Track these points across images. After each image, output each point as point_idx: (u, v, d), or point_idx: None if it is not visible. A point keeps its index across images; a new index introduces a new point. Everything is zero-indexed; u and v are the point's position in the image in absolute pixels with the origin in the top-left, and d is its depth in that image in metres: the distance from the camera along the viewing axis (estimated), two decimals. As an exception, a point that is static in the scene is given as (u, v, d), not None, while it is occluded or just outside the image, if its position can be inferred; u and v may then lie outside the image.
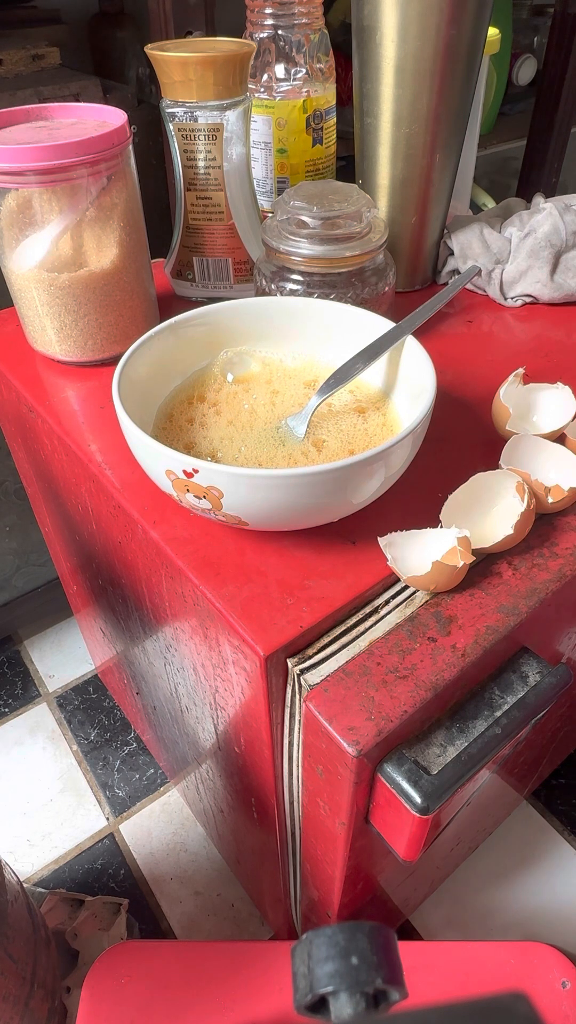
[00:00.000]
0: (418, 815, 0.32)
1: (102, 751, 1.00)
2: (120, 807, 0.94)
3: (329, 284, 0.52)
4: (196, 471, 0.33)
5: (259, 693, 0.37)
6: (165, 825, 0.92)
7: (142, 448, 0.35)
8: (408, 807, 0.32)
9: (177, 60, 0.51)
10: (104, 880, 0.87)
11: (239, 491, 0.33)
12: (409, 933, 0.83)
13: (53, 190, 0.47)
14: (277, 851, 0.53)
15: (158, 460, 0.34)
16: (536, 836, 0.90)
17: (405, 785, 0.32)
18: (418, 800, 0.32)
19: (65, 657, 1.13)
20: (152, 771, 0.98)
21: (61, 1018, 0.72)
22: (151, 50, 0.52)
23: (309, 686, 0.34)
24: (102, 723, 1.04)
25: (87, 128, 0.50)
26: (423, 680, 0.34)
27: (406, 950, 0.20)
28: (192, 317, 0.45)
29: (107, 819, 0.93)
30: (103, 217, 0.50)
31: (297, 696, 0.36)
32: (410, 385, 0.42)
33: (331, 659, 0.36)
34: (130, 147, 0.50)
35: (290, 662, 0.36)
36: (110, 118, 0.51)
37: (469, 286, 0.65)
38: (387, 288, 0.54)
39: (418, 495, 0.43)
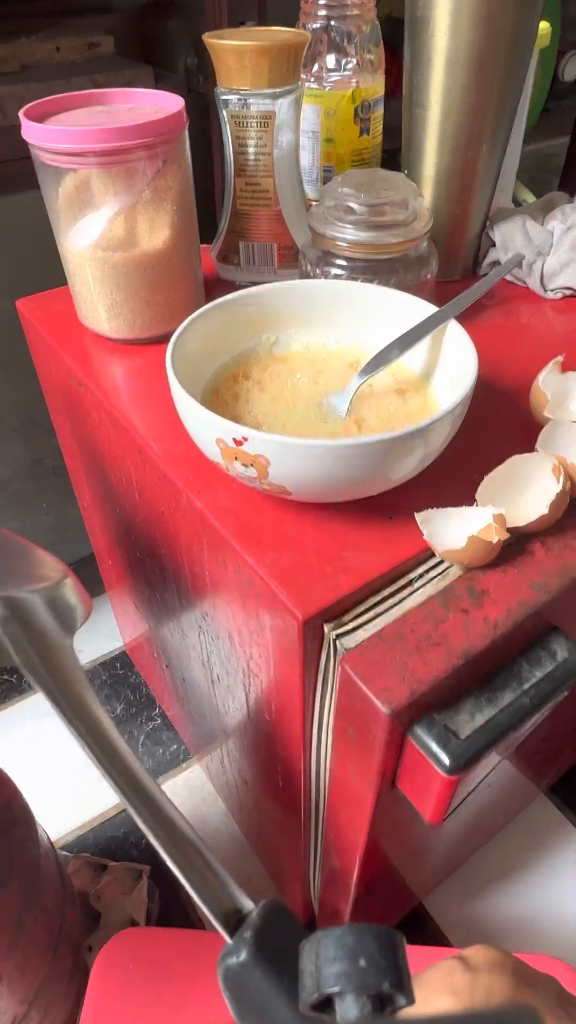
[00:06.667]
0: (446, 775, 0.33)
1: (127, 725, 1.03)
2: (143, 780, 0.97)
3: (372, 270, 0.53)
4: (245, 439, 0.35)
5: (295, 657, 0.39)
6: (187, 799, 0.95)
7: (193, 417, 0.37)
8: (437, 768, 0.34)
9: (233, 48, 0.52)
10: (126, 848, 0.90)
11: (286, 460, 0.35)
12: (421, 916, 0.84)
13: (111, 171, 0.49)
14: (300, 820, 0.55)
15: (209, 429, 0.36)
16: (553, 829, 0.91)
17: (434, 747, 0.34)
18: (447, 761, 0.33)
19: (94, 634, 1.15)
20: (176, 747, 1.00)
21: (83, 975, 0.75)
22: (208, 38, 0.53)
23: (345, 650, 0.36)
24: (128, 698, 1.06)
25: (145, 113, 0.51)
26: (455, 648, 0.35)
27: (414, 955, 0.20)
28: (242, 296, 0.46)
29: (131, 790, 0.95)
30: (157, 199, 0.52)
31: (332, 660, 0.38)
32: (451, 369, 0.44)
33: (367, 626, 0.37)
34: (186, 132, 0.51)
35: (327, 627, 0.37)
36: (167, 103, 0.52)
37: (509, 278, 0.65)
38: (429, 276, 0.55)
39: (454, 476, 0.44)
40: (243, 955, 0.24)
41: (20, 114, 0.49)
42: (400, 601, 0.38)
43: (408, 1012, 0.22)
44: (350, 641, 0.36)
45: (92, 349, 0.58)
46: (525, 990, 0.27)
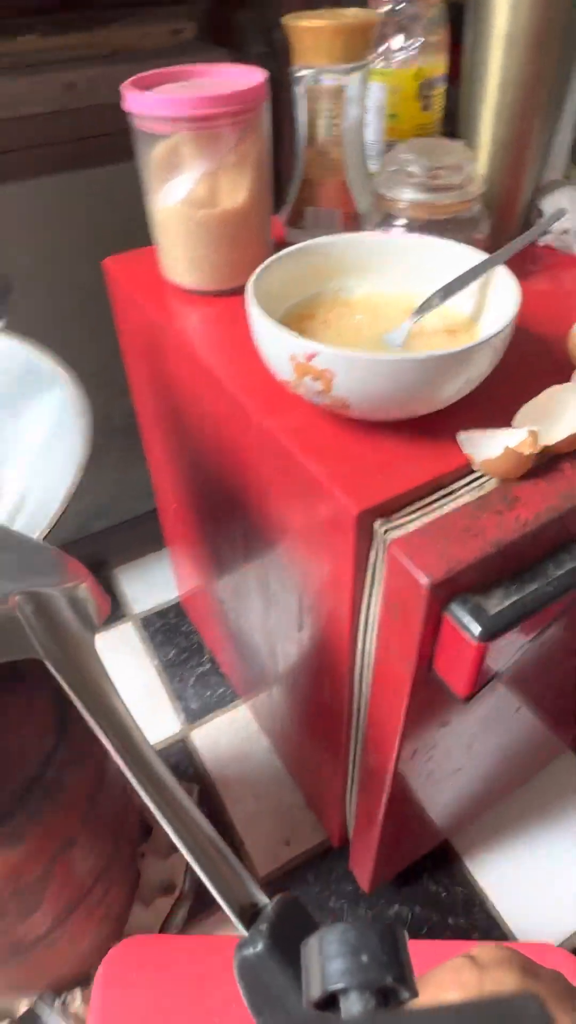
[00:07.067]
0: (476, 643, 0.39)
1: (178, 669, 1.11)
2: (193, 717, 1.04)
3: (428, 229, 0.58)
4: (316, 354, 0.41)
5: (348, 553, 0.45)
6: (232, 736, 1.02)
7: (270, 336, 0.43)
8: (468, 637, 0.39)
9: (311, 27, 0.58)
10: (175, 776, 0.97)
11: (350, 373, 0.41)
12: (449, 854, 0.89)
13: (200, 136, 0.56)
14: (342, 725, 0.61)
15: (284, 346, 0.42)
16: (580, 783, 0.95)
17: (466, 619, 0.39)
18: (476, 630, 0.39)
19: (150, 586, 1.24)
20: (223, 690, 1.07)
21: (136, 877, 0.83)
22: (288, 20, 0.60)
23: (392, 540, 0.42)
24: (180, 644, 1.14)
25: (231, 86, 0.58)
26: (489, 539, 0.41)
27: (416, 948, 0.21)
28: (313, 245, 0.53)
29: (181, 725, 1.03)
30: (239, 163, 0.58)
31: (381, 554, 0.44)
32: (497, 311, 0.49)
33: (412, 523, 0.43)
34: (267, 103, 0.58)
35: (376, 524, 0.43)
36: (250, 78, 0.59)
37: (556, 244, 0.70)
38: (481, 237, 0.60)
39: (495, 407, 0.49)
40: (259, 946, 0.25)
41: (123, 85, 0.56)
42: (442, 505, 0.44)
43: (415, 1005, 0.23)
44: (397, 533, 0.42)
45: (172, 300, 0.65)
46: (533, 984, 0.27)
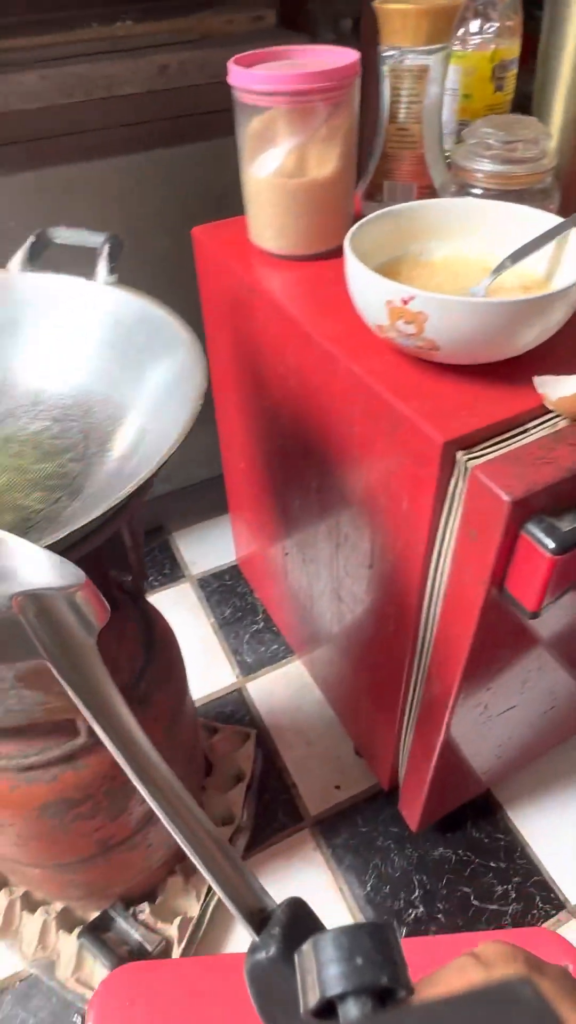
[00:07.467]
0: (550, 556, 0.44)
1: (234, 627, 1.17)
2: (247, 670, 1.10)
3: (502, 200, 0.63)
4: (412, 298, 0.46)
5: (430, 482, 0.50)
6: (285, 688, 1.07)
7: (369, 283, 0.48)
8: (542, 550, 0.44)
9: (399, 11, 0.63)
10: (232, 723, 1.04)
11: (443, 315, 0.46)
12: (489, 802, 0.94)
13: (295, 110, 0.61)
14: (404, 662, 0.66)
15: (382, 291, 0.47)
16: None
17: (541, 535, 0.44)
18: (552, 545, 0.44)
19: (207, 550, 1.30)
20: (276, 647, 1.13)
21: (200, 807, 0.89)
22: (378, 3, 0.65)
23: (475, 466, 0.47)
24: (235, 604, 1.20)
25: (323, 65, 0.63)
26: (563, 465, 0.45)
27: (409, 946, 0.22)
28: (402, 208, 0.58)
29: (236, 677, 1.09)
30: (329, 137, 0.63)
31: (462, 481, 0.49)
32: (570, 269, 0.53)
33: (491, 453, 0.48)
34: (358, 80, 0.63)
35: (459, 454, 0.48)
36: (343, 57, 0.64)
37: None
38: (552, 207, 0.65)
39: (566, 359, 0.54)
40: (272, 950, 0.25)
41: (229, 62, 0.61)
42: (519, 440, 0.49)
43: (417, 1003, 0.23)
44: (478, 461, 0.47)
45: (259, 264, 0.70)
46: (541, 979, 0.27)
